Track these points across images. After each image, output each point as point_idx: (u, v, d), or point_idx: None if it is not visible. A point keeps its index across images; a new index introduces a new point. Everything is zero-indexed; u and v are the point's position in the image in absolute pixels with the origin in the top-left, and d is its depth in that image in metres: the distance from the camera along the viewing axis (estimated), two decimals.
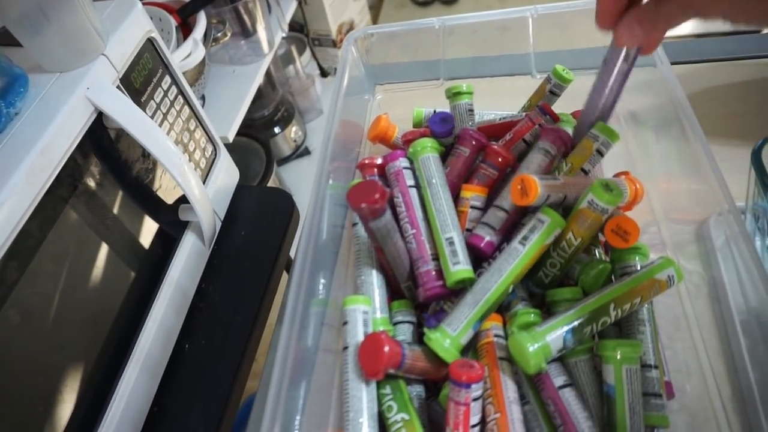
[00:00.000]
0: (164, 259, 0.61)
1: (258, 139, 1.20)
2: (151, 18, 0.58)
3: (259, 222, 0.76)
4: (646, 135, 0.42)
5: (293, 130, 1.34)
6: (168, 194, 0.63)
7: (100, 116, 0.51)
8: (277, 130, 1.30)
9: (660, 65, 0.38)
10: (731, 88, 0.53)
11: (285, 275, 0.75)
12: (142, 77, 0.56)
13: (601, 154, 0.36)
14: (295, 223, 0.77)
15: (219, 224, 0.72)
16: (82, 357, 0.50)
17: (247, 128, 1.16)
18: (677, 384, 0.33)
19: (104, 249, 0.53)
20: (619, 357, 0.29)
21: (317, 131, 1.40)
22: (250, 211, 0.78)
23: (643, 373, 0.30)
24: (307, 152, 1.37)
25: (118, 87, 0.52)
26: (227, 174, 0.75)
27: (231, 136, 0.97)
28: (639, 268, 0.33)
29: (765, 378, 0.30)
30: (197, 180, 0.61)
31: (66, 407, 0.47)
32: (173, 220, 0.64)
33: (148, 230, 0.60)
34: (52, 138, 0.45)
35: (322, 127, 0.84)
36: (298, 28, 1.39)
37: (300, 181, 1.32)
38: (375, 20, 2.11)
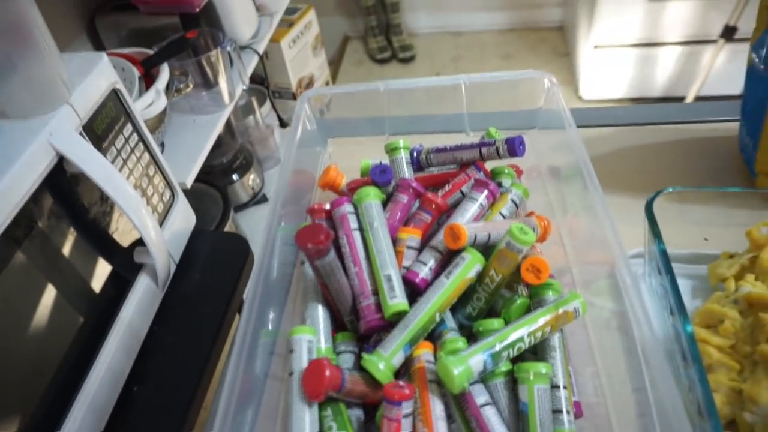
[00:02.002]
0: (116, 301, 0.62)
1: (216, 185, 1.22)
2: (115, 67, 0.60)
3: (214, 265, 0.78)
4: (564, 188, 0.48)
5: (251, 178, 1.37)
6: (124, 237, 0.64)
7: (61, 161, 0.53)
8: (235, 177, 1.32)
9: (568, 128, 0.44)
10: (637, 149, 0.61)
11: (238, 318, 0.76)
12: (104, 124, 0.59)
13: (515, 204, 0.42)
14: (249, 266, 0.79)
15: (174, 267, 0.73)
16: (26, 397, 0.49)
17: (205, 175, 1.18)
18: (587, 404, 0.37)
19: (55, 290, 0.53)
20: (531, 378, 0.33)
21: (275, 179, 1.44)
22: (205, 254, 0.80)
23: (552, 393, 0.34)
24: (264, 199, 1.40)
25: (80, 134, 0.54)
26: (184, 218, 0.77)
27: (189, 182, 1.00)
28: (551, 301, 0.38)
29: (661, 398, 0.35)
30: (154, 223, 0.63)
31: None
32: (128, 263, 0.66)
33: (102, 272, 0.61)
34: (11, 182, 0.46)
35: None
36: (259, 80, 1.45)
37: (256, 227, 1.34)
38: (334, 75, 2.20)
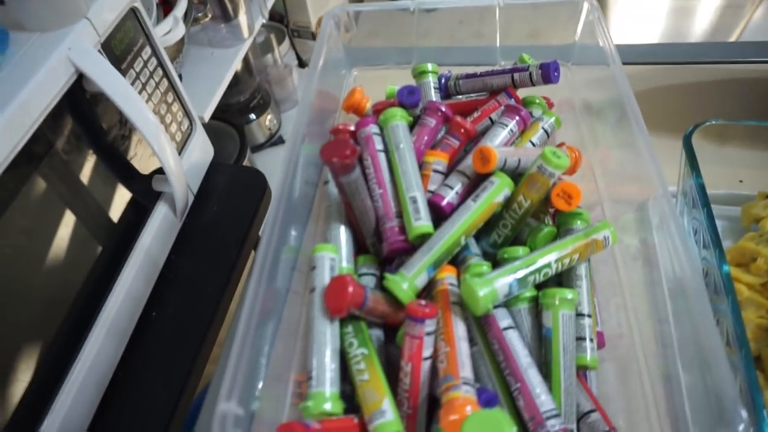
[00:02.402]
0: (135, 228, 0.62)
1: (233, 123, 1.21)
2: None
3: (232, 199, 0.78)
4: (597, 124, 0.46)
5: (268, 118, 1.35)
6: (142, 164, 0.64)
7: (80, 79, 0.52)
8: (252, 116, 1.31)
9: (612, 64, 0.41)
10: (674, 88, 0.58)
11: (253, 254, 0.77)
12: (123, 45, 0.57)
13: (546, 133, 0.40)
14: (266, 202, 0.79)
15: (191, 198, 0.73)
16: (49, 317, 0.50)
17: (222, 113, 1.17)
18: (610, 338, 0.37)
19: (75, 212, 0.54)
20: (557, 303, 0.33)
21: (292, 121, 1.42)
22: (223, 187, 0.80)
23: (577, 320, 0.34)
24: (281, 141, 1.39)
25: (99, 51, 0.53)
26: (202, 150, 0.77)
27: (207, 117, 0.98)
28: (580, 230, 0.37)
29: (684, 336, 0.34)
30: (173, 150, 0.62)
31: (30, 366, 0.47)
32: (146, 190, 0.65)
33: (121, 198, 0.61)
34: (31, 94, 0.46)
35: None
36: (278, 18, 1.40)
37: (273, 168, 1.33)
38: (356, 15, 2.13)
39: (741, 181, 0.47)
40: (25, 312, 0.47)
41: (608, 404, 0.35)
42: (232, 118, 1.23)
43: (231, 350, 0.30)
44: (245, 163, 1.21)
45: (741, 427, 0.23)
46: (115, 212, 0.59)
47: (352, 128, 0.42)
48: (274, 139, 1.39)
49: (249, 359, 0.28)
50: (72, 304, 0.52)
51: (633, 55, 0.61)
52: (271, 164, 1.35)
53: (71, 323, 0.52)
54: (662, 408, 0.32)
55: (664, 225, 0.33)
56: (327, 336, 0.33)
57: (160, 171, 0.64)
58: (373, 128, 0.40)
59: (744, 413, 0.22)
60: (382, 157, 0.39)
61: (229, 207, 0.76)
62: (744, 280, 0.37)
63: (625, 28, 1.89)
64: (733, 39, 1.66)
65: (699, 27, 1.82)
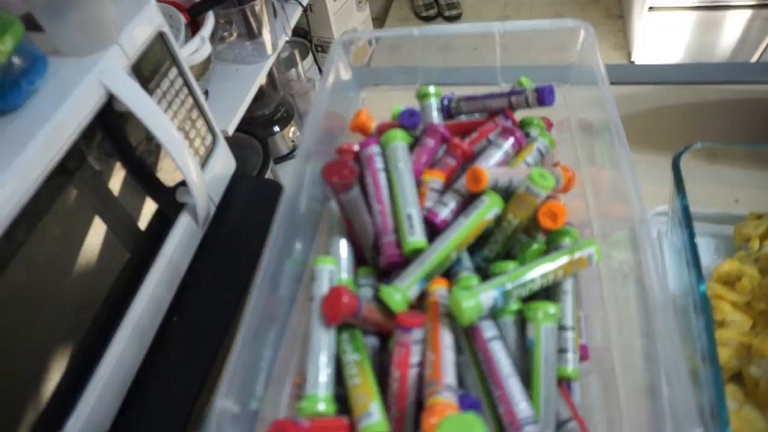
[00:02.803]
0: (159, 237, 0.66)
1: (257, 136, 1.25)
2: (162, 14, 0.63)
3: (252, 210, 0.81)
4: (592, 144, 0.48)
5: (291, 131, 1.39)
6: (167, 177, 0.68)
7: (110, 100, 0.56)
8: (276, 129, 1.35)
9: (600, 83, 0.43)
10: (676, 109, 0.59)
11: None
12: (150, 66, 0.61)
13: (541, 153, 0.42)
14: None
15: (213, 209, 0.77)
16: (78, 320, 0.53)
17: (247, 125, 1.22)
18: (594, 349, 0.38)
19: (104, 222, 0.57)
20: (540, 317, 0.35)
21: None
22: (244, 198, 0.83)
23: (560, 333, 0.36)
24: None
25: (128, 74, 0.57)
26: (224, 163, 0.80)
27: (231, 130, 1.03)
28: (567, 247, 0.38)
29: (660, 351, 0.35)
30: (195, 164, 0.66)
31: (58, 365, 0.50)
32: (170, 201, 0.69)
33: (147, 208, 0.65)
34: (65, 115, 0.50)
35: None
36: (302, 33, 1.45)
37: None
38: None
39: (737, 201, 0.48)
40: (56, 314, 0.51)
41: (592, 416, 0.36)
42: (257, 131, 1.27)
43: (233, 352, 0.32)
44: (268, 174, 1.25)
45: None
46: (142, 222, 0.63)
47: (356, 148, 0.44)
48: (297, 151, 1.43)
49: (248, 360, 0.31)
50: (99, 308, 0.56)
51: (636, 75, 0.62)
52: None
53: (98, 326, 0.55)
54: (644, 421, 0.34)
55: (640, 245, 0.34)
56: (323, 342, 0.35)
57: (183, 183, 0.68)
58: (374, 149, 0.43)
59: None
60: (382, 175, 0.42)
61: (248, 217, 0.79)
62: (728, 298, 0.38)
63: (648, 49, 1.87)
64: (755, 58, 1.64)
65: (724, 43, 1.80)
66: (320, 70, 1.48)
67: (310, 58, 1.48)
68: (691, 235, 0.37)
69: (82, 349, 0.53)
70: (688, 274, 0.37)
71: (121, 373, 0.58)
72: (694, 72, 0.62)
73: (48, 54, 0.53)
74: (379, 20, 2.28)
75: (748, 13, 1.69)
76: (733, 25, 1.73)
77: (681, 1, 1.72)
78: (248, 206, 0.82)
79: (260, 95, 1.30)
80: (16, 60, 0.49)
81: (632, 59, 1.90)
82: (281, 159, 1.43)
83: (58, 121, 0.49)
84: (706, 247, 0.39)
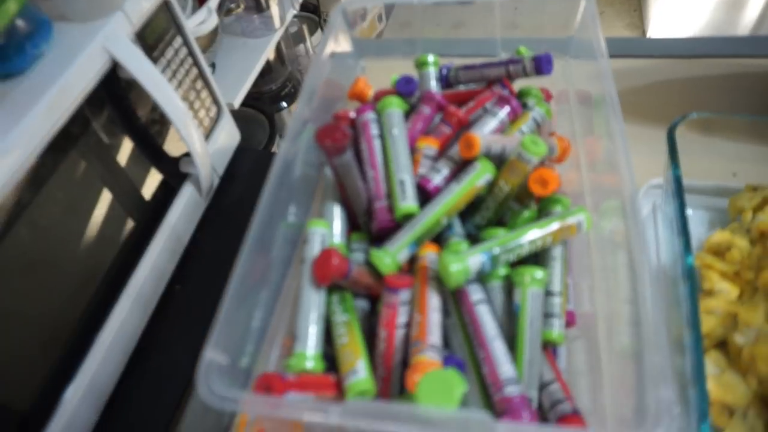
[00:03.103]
0: (163, 206, 0.67)
1: (264, 111, 1.25)
2: None
3: (255, 182, 0.81)
4: (589, 116, 0.47)
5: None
6: (171, 147, 0.68)
7: (115, 67, 0.56)
8: (283, 104, 1.35)
9: (599, 56, 0.43)
10: (681, 82, 0.59)
11: None
12: (155, 35, 0.61)
13: (537, 123, 0.42)
14: None
15: (217, 180, 0.77)
16: (81, 285, 0.54)
17: (254, 100, 1.22)
18: (581, 317, 0.39)
19: (108, 189, 0.58)
20: (527, 281, 0.35)
21: None
22: (248, 171, 0.83)
23: (546, 298, 0.36)
24: None
25: (133, 41, 0.57)
26: (228, 135, 0.80)
27: (237, 103, 1.03)
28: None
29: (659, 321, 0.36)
30: (199, 134, 0.66)
31: (62, 331, 0.51)
32: (174, 171, 0.70)
33: (150, 177, 0.65)
34: (70, 79, 0.50)
35: None
36: (311, 8, 1.44)
37: None
38: (389, 10, 2.14)
39: (735, 174, 0.47)
40: (59, 279, 0.52)
41: (577, 380, 0.37)
42: (264, 106, 1.27)
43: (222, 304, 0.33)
44: (274, 149, 1.25)
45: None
46: (146, 191, 0.64)
47: (353, 115, 0.45)
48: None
49: (237, 317, 0.32)
50: (102, 275, 0.57)
51: (642, 48, 0.61)
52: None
53: (101, 292, 0.56)
54: (627, 385, 0.34)
55: (628, 214, 0.34)
56: (313, 302, 0.36)
57: (187, 154, 0.68)
58: (370, 115, 0.43)
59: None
60: (376, 142, 0.42)
61: (252, 189, 0.79)
62: (717, 268, 0.38)
63: (664, 26, 1.83)
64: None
65: (748, 16, 1.73)
66: None
67: (318, 33, 1.47)
68: (681, 205, 0.37)
69: (85, 315, 0.54)
70: (677, 244, 0.37)
71: (124, 340, 0.59)
72: (698, 45, 0.61)
73: (53, 19, 0.53)
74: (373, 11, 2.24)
75: None
76: (753, 2, 1.68)
77: None
78: (252, 178, 0.82)
79: (268, 70, 1.29)
80: (20, 23, 0.49)
81: (648, 37, 1.86)
82: None
83: (62, 85, 0.49)
84: (700, 220, 0.39)
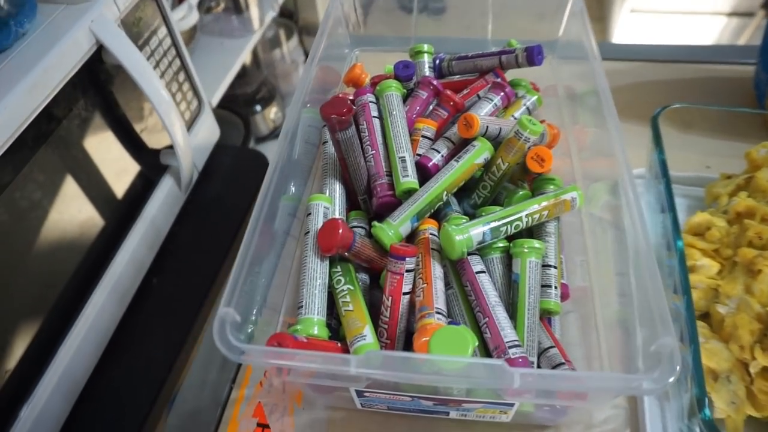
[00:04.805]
0: (142, 198, 0.66)
1: (238, 113, 1.25)
2: None
3: (234, 177, 0.81)
4: (577, 109, 0.50)
5: (273, 111, 1.39)
6: (152, 138, 0.67)
7: (100, 52, 0.55)
8: (257, 108, 1.35)
9: (591, 59, 0.45)
10: (655, 84, 0.63)
11: None
12: (141, 23, 0.61)
13: (528, 110, 0.45)
14: None
15: (196, 174, 0.77)
16: (56, 272, 0.53)
17: (229, 102, 1.21)
18: (574, 291, 0.40)
19: (87, 176, 0.57)
20: (525, 251, 0.36)
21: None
22: (227, 166, 0.83)
23: (543, 270, 0.37)
24: None
25: (118, 26, 0.57)
26: (209, 130, 0.80)
27: (214, 102, 1.03)
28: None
29: (644, 296, 0.37)
30: (182, 125, 0.65)
31: (35, 320, 0.49)
32: (154, 163, 0.69)
33: (130, 168, 0.64)
34: (54, 60, 0.49)
35: None
36: (288, 14, 1.45)
37: None
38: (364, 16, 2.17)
39: (708, 167, 0.51)
40: (34, 265, 0.50)
41: (570, 351, 0.38)
42: (238, 108, 1.26)
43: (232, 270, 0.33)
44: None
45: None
46: (124, 182, 0.63)
47: (352, 97, 0.45)
48: (277, 132, 1.43)
49: (246, 280, 0.32)
50: (78, 266, 0.55)
51: (616, 52, 0.65)
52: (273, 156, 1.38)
53: (76, 284, 0.54)
54: (617, 356, 0.36)
55: (623, 193, 0.36)
56: (317, 272, 0.37)
57: (169, 147, 0.67)
58: (369, 97, 0.44)
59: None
60: (376, 122, 0.43)
61: (231, 185, 0.79)
62: (698, 246, 0.41)
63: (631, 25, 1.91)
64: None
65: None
66: (305, 52, 1.48)
67: (295, 39, 1.48)
68: (668, 183, 0.40)
69: (59, 306, 0.52)
70: (663, 220, 0.39)
71: (99, 331, 0.58)
72: (674, 51, 0.65)
73: (39, 0, 0.52)
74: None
75: (723, 19, 1.77)
76: (708, 31, 1.81)
77: (661, 5, 1.78)
78: (231, 174, 0.82)
79: (243, 73, 1.29)
80: (4, 1, 0.48)
81: None
82: (261, 140, 1.42)
83: (45, 66, 0.48)
84: (679, 206, 0.41)
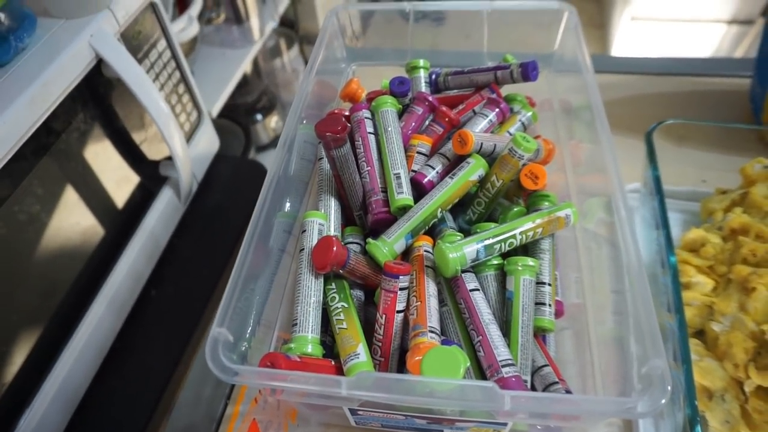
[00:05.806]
0: (141, 209, 0.66)
1: (239, 122, 1.25)
2: None
3: (234, 188, 0.81)
4: (572, 124, 0.50)
5: (273, 120, 1.40)
6: (151, 150, 0.68)
7: (99, 66, 0.56)
8: (258, 117, 1.35)
9: (585, 73, 0.45)
10: (650, 97, 0.63)
11: None
12: (140, 36, 0.62)
13: (524, 125, 0.45)
14: None
15: (196, 185, 0.77)
16: (55, 284, 0.53)
17: (230, 112, 1.22)
18: (568, 308, 0.40)
19: (86, 189, 0.57)
20: (519, 269, 0.36)
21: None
22: (226, 177, 0.83)
23: (537, 288, 0.38)
24: None
25: (118, 40, 0.57)
26: (208, 140, 0.80)
27: (215, 112, 1.03)
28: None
29: (639, 313, 0.37)
30: (181, 137, 0.66)
31: (34, 330, 0.50)
32: (153, 175, 0.69)
33: (129, 180, 0.65)
34: (53, 74, 0.49)
35: None
36: (289, 24, 1.46)
37: None
38: (365, 27, 2.19)
39: (704, 181, 0.51)
40: (34, 276, 0.50)
41: (565, 368, 0.38)
42: (239, 118, 1.27)
43: (226, 289, 0.33)
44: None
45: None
46: (124, 193, 0.63)
47: (347, 113, 0.46)
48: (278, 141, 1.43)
49: (240, 298, 0.32)
50: (77, 277, 0.55)
51: (613, 65, 0.66)
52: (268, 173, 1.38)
53: (75, 295, 0.55)
54: (612, 374, 0.36)
55: (615, 211, 0.36)
56: (312, 289, 0.37)
57: (168, 158, 0.67)
58: (365, 113, 0.44)
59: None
60: (371, 138, 0.43)
61: (230, 196, 0.79)
62: (693, 263, 0.41)
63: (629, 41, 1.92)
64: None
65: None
66: (305, 62, 1.49)
67: (295, 48, 1.48)
68: (662, 200, 0.40)
69: (58, 316, 0.52)
70: (657, 237, 0.39)
71: (98, 342, 0.58)
72: (670, 64, 0.66)
73: (38, 15, 0.53)
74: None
75: (723, 27, 1.77)
76: (708, 39, 1.81)
77: (662, 13, 1.78)
78: (231, 185, 0.82)
79: (244, 83, 1.30)
80: (3, 16, 0.49)
81: None
82: (262, 149, 1.43)
83: (46, 79, 0.49)
84: (674, 221, 0.42)
